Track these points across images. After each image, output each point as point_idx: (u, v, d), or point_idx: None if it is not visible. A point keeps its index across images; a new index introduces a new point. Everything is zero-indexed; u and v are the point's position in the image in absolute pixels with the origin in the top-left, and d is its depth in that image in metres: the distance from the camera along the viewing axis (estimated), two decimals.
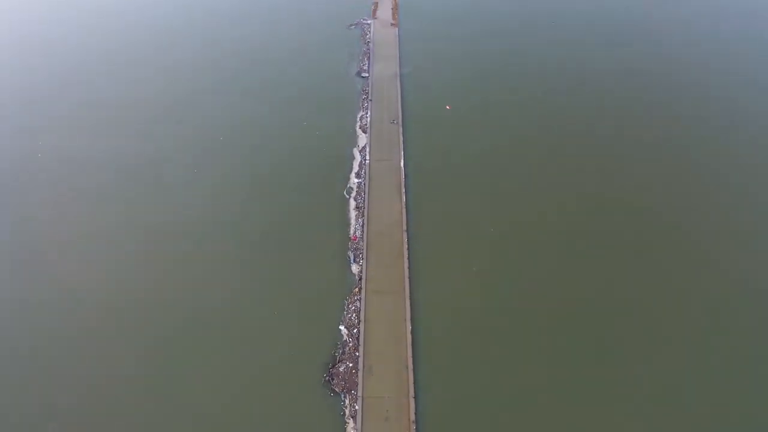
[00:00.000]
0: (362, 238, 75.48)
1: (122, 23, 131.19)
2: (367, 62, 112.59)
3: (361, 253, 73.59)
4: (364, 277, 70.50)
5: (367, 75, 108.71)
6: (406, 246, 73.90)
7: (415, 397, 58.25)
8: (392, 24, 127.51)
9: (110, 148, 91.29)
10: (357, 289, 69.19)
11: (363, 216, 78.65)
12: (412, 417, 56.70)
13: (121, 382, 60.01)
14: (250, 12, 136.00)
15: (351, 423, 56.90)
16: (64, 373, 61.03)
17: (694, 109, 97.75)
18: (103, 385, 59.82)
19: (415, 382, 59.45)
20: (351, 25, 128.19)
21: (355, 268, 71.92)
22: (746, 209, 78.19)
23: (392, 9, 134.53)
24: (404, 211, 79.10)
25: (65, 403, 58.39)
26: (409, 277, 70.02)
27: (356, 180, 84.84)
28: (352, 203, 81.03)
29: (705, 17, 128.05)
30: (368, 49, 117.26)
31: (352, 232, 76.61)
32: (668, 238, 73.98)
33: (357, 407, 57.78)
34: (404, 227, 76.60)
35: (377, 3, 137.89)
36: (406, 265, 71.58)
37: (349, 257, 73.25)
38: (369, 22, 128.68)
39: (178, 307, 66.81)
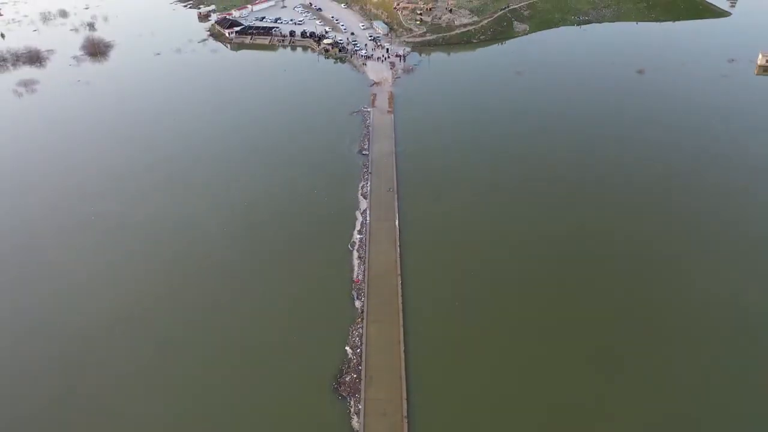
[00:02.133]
0: (364, 280, 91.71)
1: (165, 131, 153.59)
2: (367, 142, 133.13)
3: (363, 292, 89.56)
4: (365, 310, 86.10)
5: (367, 153, 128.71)
6: (400, 286, 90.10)
7: (407, 399, 72.37)
8: (388, 111, 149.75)
9: (151, 210, 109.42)
10: (360, 320, 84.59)
11: (364, 263, 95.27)
12: (405, 414, 70.65)
13: (159, 384, 74.34)
14: (269, 105, 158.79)
15: (355, 418, 70.75)
16: (73, 377, 75.44)
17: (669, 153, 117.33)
18: (127, 384, 74.16)
19: (407, 388, 73.71)
20: (353, 112, 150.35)
21: (358, 304, 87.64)
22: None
23: (388, 99, 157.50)
24: (398, 259, 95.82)
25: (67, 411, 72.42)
26: (402, 310, 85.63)
27: (358, 236, 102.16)
28: (355, 254, 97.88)
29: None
30: (368, 132, 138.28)
31: (355, 276, 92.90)
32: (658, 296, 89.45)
33: (360, 407, 71.78)
34: (398, 272, 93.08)
35: (375, 94, 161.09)
36: (400, 301, 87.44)
37: (353, 295, 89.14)
38: (369, 110, 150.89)
39: (214, 333, 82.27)
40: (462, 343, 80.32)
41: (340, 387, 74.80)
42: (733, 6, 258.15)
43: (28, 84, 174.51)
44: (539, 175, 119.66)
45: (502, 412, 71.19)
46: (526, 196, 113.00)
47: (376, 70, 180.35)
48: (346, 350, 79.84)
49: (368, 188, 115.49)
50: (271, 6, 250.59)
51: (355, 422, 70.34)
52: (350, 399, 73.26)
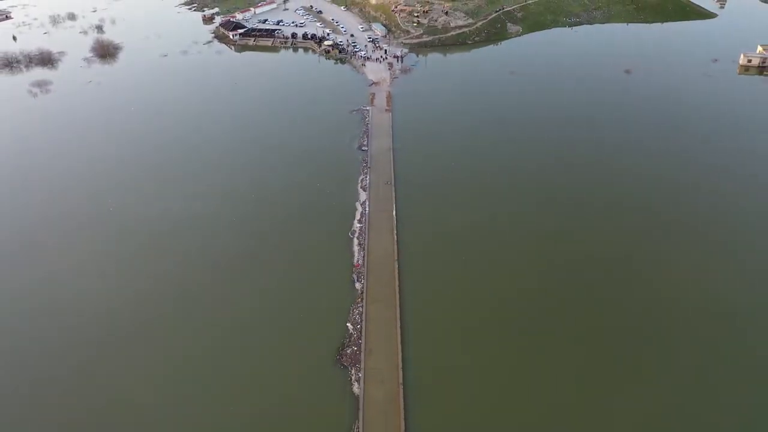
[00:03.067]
0: (364, 264, 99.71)
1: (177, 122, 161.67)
2: (366, 139, 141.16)
3: (363, 275, 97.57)
4: (365, 291, 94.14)
5: (366, 149, 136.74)
6: (397, 270, 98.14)
7: (402, 368, 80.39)
8: (386, 110, 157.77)
9: (164, 202, 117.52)
10: (360, 300, 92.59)
11: (364, 249, 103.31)
12: (400, 381, 78.68)
13: (160, 355, 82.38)
14: (272, 104, 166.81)
15: (356, 385, 78.75)
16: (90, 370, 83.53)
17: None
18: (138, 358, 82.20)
19: (402, 359, 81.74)
20: (353, 111, 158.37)
21: (358, 286, 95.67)
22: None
23: (386, 98, 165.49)
24: (396, 246, 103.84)
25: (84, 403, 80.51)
26: (399, 291, 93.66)
27: (358, 225, 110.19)
28: (356, 241, 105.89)
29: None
30: (367, 129, 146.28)
31: (355, 260, 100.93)
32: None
33: (360, 375, 79.78)
34: (395, 257, 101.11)
35: (374, 93, 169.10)
36: (396, 283, 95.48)
37: (354, 278, 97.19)
38: (367, 108, 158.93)
39: (228, 310, 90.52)
40: (453, 321, 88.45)
41: (343, 358, 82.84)
42: (722, 7, 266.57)
43: (41, 85, 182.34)
44: (528, 167, 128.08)
45: (487, 379, 79.20)
46: (516, 187, 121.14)
47: (375, 71, 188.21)
48: (347, 326, 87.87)
49: (367, 181, 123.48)
50: (273, 9, 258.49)
51: (356, 388, 78.33)
52: (351, 368, 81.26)
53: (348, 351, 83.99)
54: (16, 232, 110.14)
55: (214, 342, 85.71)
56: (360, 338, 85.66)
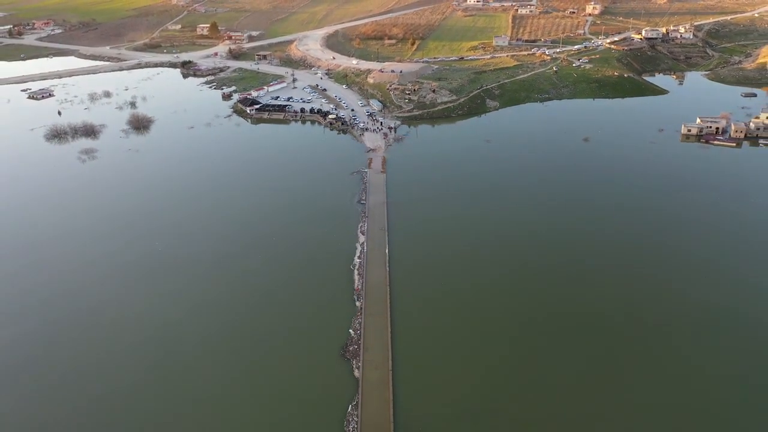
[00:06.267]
0: (362, 288, 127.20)
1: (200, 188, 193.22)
2: (364, 195, 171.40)
3: (362, 296, 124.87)
4: (363, 307, 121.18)
5: (364, 202, 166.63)
6: (389, 293, 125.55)
7: (391, 360, 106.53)
8: (382, 172, 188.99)
9: (197, 246, 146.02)
10: (359, 313, 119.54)
11: (362, 278, 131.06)
12: (390, 368, 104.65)
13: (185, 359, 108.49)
14: (285, 167, 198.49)
15: (356, 371, 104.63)
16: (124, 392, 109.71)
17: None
18: (161, 371, 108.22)
19: (392, 353, 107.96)
20: (353, 172, 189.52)
21: (357, 304, 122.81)
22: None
23: (382, 162, 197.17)
24: (388, 275, 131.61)
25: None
26: (390, 308, 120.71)
27: (358, 260, 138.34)
28: (356, 272, 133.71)
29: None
30: (365, 187, 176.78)
31: (356, 286, 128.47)
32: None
33: (360, 364, 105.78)
34: (387, 283, 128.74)
35: (371, 158, 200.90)
36: (388, 302, 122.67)
37: (355, 298, 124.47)
38: (366, 171, 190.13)
39: (256, 320, 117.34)
40: (431, 329, 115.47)
41: (346, 353, 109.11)
42: (681, 84, 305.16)
43: (88, 152, 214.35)
44: (498, 217, 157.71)
45: (457, 366, 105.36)
46: (489, 233, 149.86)
47: (372, 140, 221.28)
48: (350, 332, 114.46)
49: (365, 228, 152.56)
50: (284, 87, 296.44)
51: (356, 373, 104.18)
52: (353, 360, 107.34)
53: (350, 348, 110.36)
54: (84, 265, 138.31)
55: (245, 343, 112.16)
56: (360, 340, 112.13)
